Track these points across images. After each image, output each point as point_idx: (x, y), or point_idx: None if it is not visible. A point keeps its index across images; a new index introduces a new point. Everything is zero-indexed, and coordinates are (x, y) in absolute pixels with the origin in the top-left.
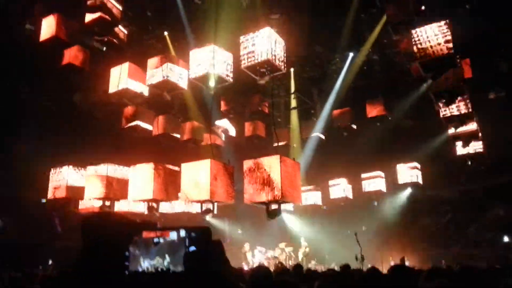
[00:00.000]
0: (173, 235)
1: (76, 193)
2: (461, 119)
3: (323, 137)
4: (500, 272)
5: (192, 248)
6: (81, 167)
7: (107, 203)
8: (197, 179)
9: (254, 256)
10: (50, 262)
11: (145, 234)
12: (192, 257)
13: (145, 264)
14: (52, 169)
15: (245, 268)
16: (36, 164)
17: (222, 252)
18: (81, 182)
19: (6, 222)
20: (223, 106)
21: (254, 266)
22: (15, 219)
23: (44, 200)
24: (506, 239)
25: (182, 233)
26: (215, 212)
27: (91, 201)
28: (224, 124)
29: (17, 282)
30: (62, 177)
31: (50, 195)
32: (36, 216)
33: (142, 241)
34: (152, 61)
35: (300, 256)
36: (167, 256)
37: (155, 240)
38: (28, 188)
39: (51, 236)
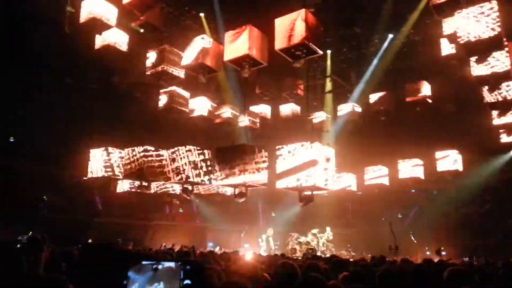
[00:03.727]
0: (171, 263)
1: (113, 173)
2: (506, 106)
3: (359, 120)
4: None
5: (187, 282)
6: (119, 149)
7: (144, 183)
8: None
9: (277, 241)
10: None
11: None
12: None
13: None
14: (90, 149)
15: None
16: (77, 143)
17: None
18: (118, 163)
19: (50, 198)
20: (257, 89)
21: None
22: (58, 196)
23: (85, 178)
24: None
25: (178, 264)
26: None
27: (128, 182)
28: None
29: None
30: (100, 158)
31: (89, 174)
32: (77, 193)
33: (141, 266)
34: (187, 44)
35: (322, 242)
36: (162, 283)
37: (154, 266)
38: (71, 167)
39: (92, 213)
